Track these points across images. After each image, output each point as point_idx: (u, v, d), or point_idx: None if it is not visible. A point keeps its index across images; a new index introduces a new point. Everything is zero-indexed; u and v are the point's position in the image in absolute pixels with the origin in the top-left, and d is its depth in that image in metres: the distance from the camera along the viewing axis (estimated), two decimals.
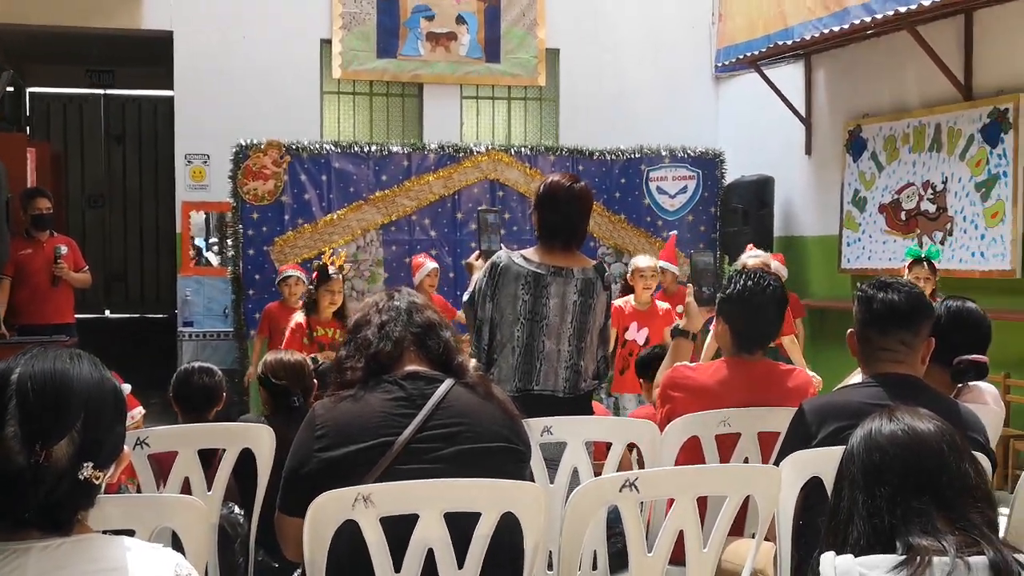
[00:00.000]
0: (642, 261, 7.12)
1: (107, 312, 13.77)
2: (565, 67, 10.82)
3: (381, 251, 9.20)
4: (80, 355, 1.74)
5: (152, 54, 10.65)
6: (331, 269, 6.77)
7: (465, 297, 4.16)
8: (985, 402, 3.52)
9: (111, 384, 1.73)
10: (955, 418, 2.75)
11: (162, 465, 3.36)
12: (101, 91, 13.77)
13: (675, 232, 8.87)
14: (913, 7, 7.42)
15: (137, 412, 4.80)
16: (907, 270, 6.73)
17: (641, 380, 5.40)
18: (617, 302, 6.87)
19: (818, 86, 9.68)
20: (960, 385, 3.54)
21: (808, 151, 9.79)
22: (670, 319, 7.07)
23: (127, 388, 4.22)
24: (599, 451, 3.87)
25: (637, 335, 6.94)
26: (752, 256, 6.58)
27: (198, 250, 10.24)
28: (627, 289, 7.32)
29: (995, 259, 7.48)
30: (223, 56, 9.84)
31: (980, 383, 3.63)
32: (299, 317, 6.75)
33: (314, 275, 6.83)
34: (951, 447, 1.86)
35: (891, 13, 7.63)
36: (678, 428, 3.37)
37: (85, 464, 1.64)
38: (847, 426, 2.07)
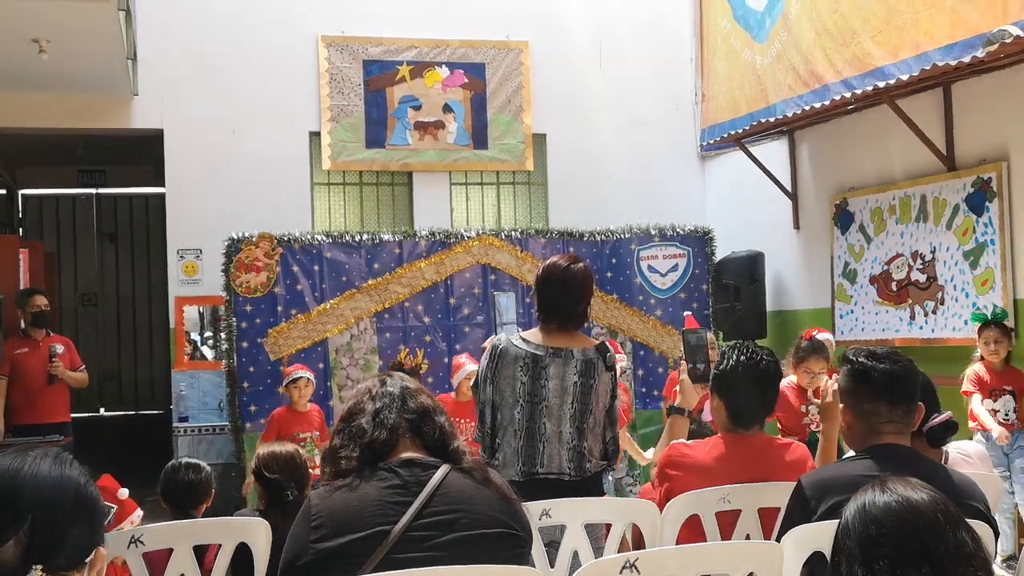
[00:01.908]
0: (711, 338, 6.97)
1: (102, 410, 13.69)
2: (552, 151, 10.95)
3: (375, 339, 9.19)
4: (46, 453, 1.70)
5: (143, 152, 10.77)
6: (407, 365, 6.60)
7: (472, 382, 4.16)
8: (972, 463, 3.52)
9: (72, 483, 1.68)
10: (949, 486, 2.73)
11: (154, 565, 3.31)
12: (93, 190, 13.88)
13: (688, 313, 8.82)
14: (891, 82, 7.56)
15: (136, 516, 4.72)
16: (977, 336, 6.78)
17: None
18: None
19: (803, 161, 9.79)
20: (945, 450, 3.54)
21: (796, 225, 9.86)
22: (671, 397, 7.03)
23: (124, 492, 4.18)
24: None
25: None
26: (818, 333, 6.62)
27: (193, 344, 10.23)
28: None
29: None
30: (213, 152, 9.95)
31: (965, 444, 3.64)
32: None
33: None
34: (946, 515, 1.85)
35: (870, 88, 7.76)
36: (678, 506, 3.35)
37: (34, 567, 1.58)
38: (847, 499, 2.06)
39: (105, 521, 1.79)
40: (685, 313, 8.87)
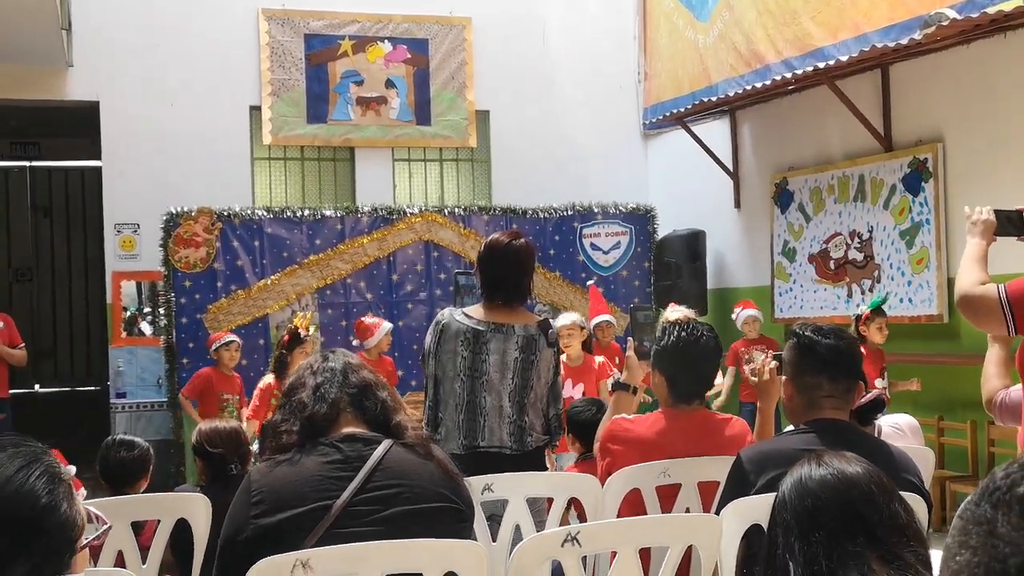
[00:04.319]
0: (559, 319, 7.09)
1: (37, 387, 13.46)
2: (496, 128, 10.92)
3: (317, 315, 9.15)
4: (16, 455, 1.55)
5: (79, 125, 10.54)
6: (302, 332, 6.74)
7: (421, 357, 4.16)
8: (905, 437, 3.59)
9: (28, 502, 1.51)
10: (888, 460, 2.78)
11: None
12: (27, 163, 13.59)
13: (592, 282, 8.84)
14: (831, 63, 7.64)
15: (80, 495, 4.66)
16: (865, 322, 6.96)
17: (571, 436, 5.21)
18: None
19: (744, 141, 9.87)
20: (877, 424, 3.61)
21: (737, 204, 9.95)
22: (606, 372, 7.11)
23: (72, 470, 4.11)
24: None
25: (573, 391, 6.93)
26: (680, 311, 6.68)
27: (132, 320, 10.09)
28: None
29: (922, 304, 7.64)
30: (151, 125, 9.78)
31: (897, 417, 3.72)
32: (268, 379, 6.71)
33: (285, 339, 6.76)
34: (880, 488, 1.88)
35: (810, 69, 7.84)
36: (619, 481, 3.37)
37: None
38: (785, 473, 2.08)
39: (76, 546, 1.58)
40: (588, 283, 8.94)
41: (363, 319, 8.31)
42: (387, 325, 8.04)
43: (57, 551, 1.53)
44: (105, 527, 1.71)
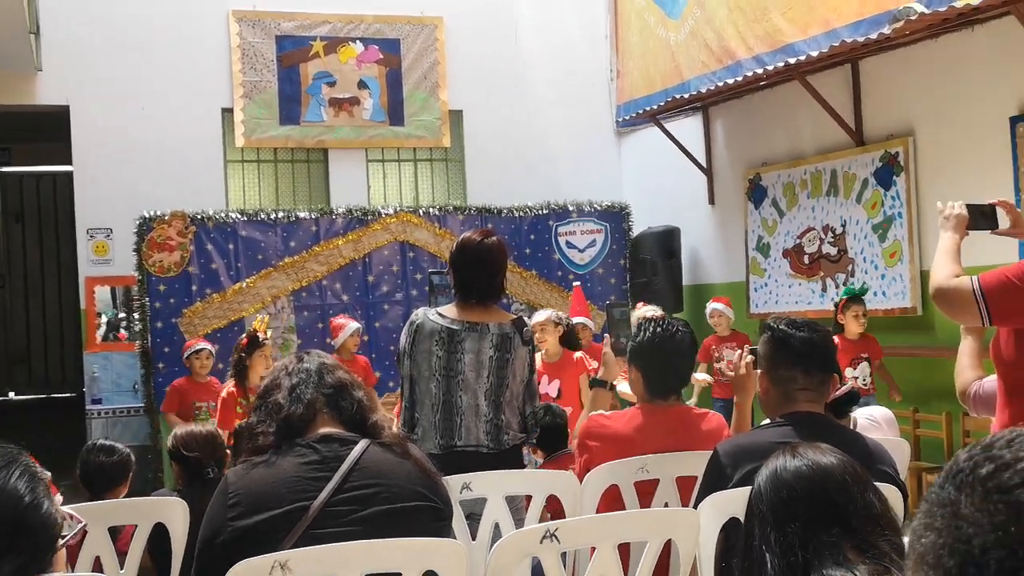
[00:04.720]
0: (534, 316, 7.11)
1: (11, 394, 13.37)
2: (469, 127, 10.92)
3: (293, 317, 9.13)
4: None
5: (49, 129, 10.47)
6: (260, 335, 6.72)
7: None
8: (880, 428, 3.62)
9: (11, 502, 1.52)
10: (864, 452, 2.80)
11: (68, 548, 3.25)
12: None
13: (578, 283, 8.92)
14: (801, 58, 7.68)
15: (56, 501, 4.63)
16: (842, 310, 7.06)
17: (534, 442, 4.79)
18: None
19: (717, 137, 9.90)
20: (853, 416, 3.64)
21: (711, 200, 9.98)
22: (583, 367, 7.14)
23: (48, 476, 4.10)
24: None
25: (548, 388, 6.94)
26: (650, 310, 6.73)
27: (110, 325, 10.02)
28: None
29: (896, 297, 7.69)
30: (122, 128, 9.72)
31: (872, 409, 3.74)
32: (230, 386, 6.66)
33: (243, 342, 6.74)
34: (854, 478, 1.89)
35: (781, 65, 7.88)
36: (597, 477, 3.38)
37: None
38: (761, 466, 2.09)
39: (57, 545, 1.59)
40: (574, 284, 8.99)
41: (334, 319, 8.31)
42: (353, 325, 8.03)
43: (41, 549, 1.54)
44: (80, 525, 1.71)
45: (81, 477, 4.29)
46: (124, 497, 4.25)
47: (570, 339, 7.29)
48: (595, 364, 7.64)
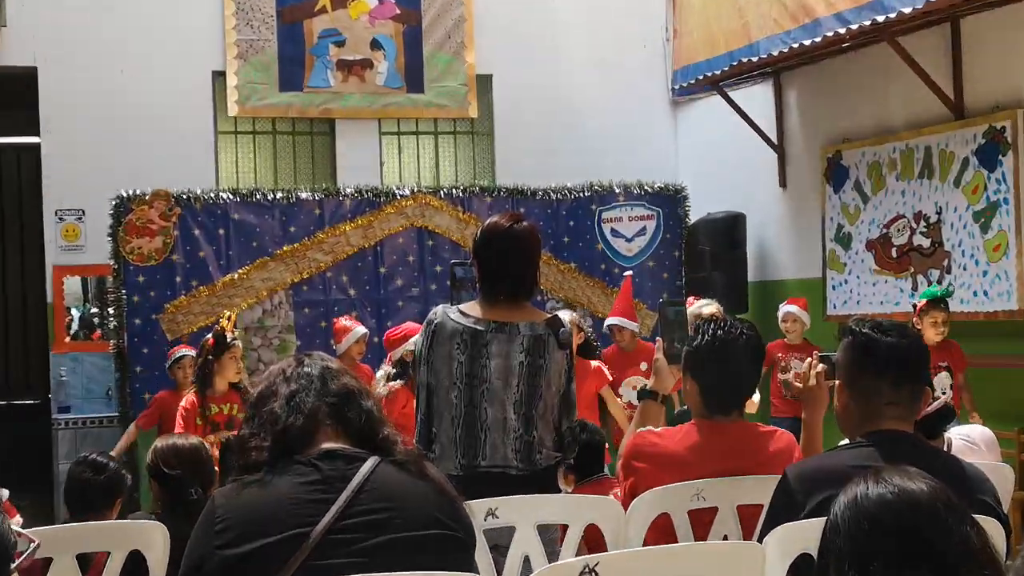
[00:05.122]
0: (566, 316, 7.13)
1: None
2: (499, 95, 10.92)
3: (292, 315, 9.16)
4: None
5: (13, 95, 10.56)
6: (228, 335, 6.76)
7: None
8: (977, 451, 3.59)
9: None
10: (960, 478, 2.78)
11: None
12: None
13: (629, 273, 8.88)
14: (892, 16, 7.61)
15: (15, 522, 4.68)
16: (919, 314, 7.00)
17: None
18: None
19: (790, 108, 9.85)
20: (947, 437, 3.61)
21: (783, 183, 9.93)
22: (601, 379, 7.17)
23: (4, 494, 4.14)
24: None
25: None
26: (705, 305, 6.72)
27: (84, 322, 10.11)
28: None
29: (1000, 298, 7.62)
30: (98, 94, 9.80)
31: (969, 428, 3.71)
32: (190, 396, 6.72)
33: (209, 343, 6.78)
34: (949, 508, 1.87)
35: (867, 23, 7.81)
36: (645, 504, 3.37)
37: None
38: (838, 494, 2.09)
39: (9, 568, 1.62)
40: (625, 274, 8.95)
41: (339, 320, 8.32)
42: (360, 330, 8.03)
43: None
44: (34, 545, 1.72)
45: (65, 495, 4.35)
46: None
47: (587, 347, 7.33)
48: (644, 374, 7.70)
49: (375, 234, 9.38)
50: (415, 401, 4.14)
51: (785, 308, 8.62)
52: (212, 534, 2.37)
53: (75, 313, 10.21)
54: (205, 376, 6.69)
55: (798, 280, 9.71)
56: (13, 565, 1.61)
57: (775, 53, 8.95)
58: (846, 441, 3.15)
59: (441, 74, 10.65)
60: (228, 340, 6.73)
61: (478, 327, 3.95)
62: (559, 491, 4.19)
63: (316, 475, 2.42)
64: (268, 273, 9.13)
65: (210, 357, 6.70)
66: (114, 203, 8.87)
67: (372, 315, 9.19)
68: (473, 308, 4.03)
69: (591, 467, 4.95)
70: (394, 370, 6.77)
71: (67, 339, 9.91)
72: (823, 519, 2.02)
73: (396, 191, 9.55)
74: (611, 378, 7.56)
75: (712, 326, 3.64)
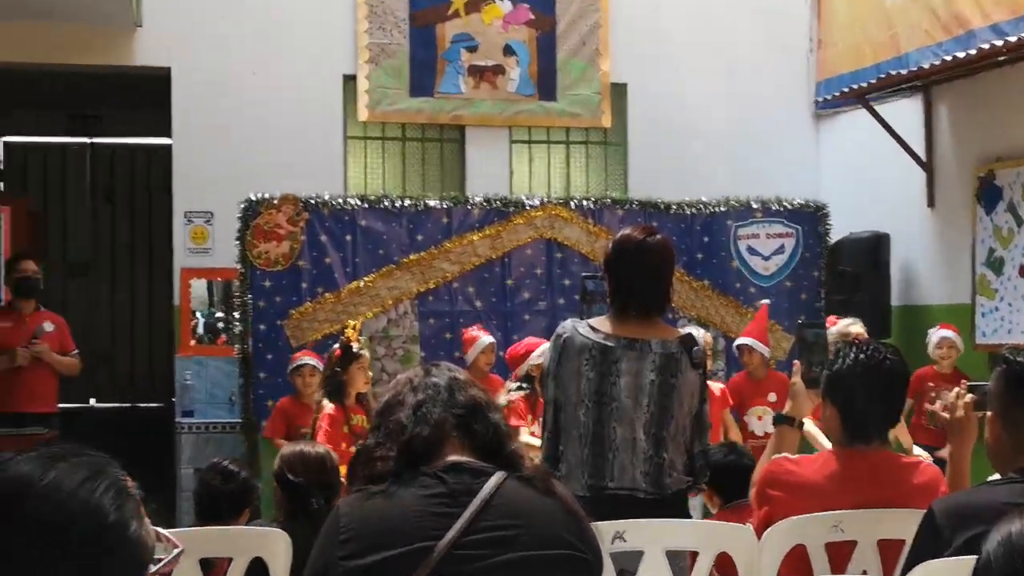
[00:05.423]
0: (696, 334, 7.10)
1: (92, 401, 13.88)
2: (634, 105, 10.89)
3: (416, 325, 9.22)
4: (79, 465, 1.58)
5: (146, 96, 10.84)
6: (355, 345, 6.86)
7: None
8: None
9: (95, 518, 1.54)
10: None
11: None
12: (86, 139, 14.03)
13: (767, 301, 8.81)
14: None
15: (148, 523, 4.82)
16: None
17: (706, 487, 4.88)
18: None
19: (940, 124, 9.66)
20: None
21: (930, 202, 9.74)
22: (724, 401, 7.14)
23: (139, 493, 4.27)
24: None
25: None
26: (851, 323, 6.65)
27: (211, 326, 10.32)
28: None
29: None
30: (229, 96, 10.01)
31: None
32: (329, 407, 6.76)
33: (336, 354, 6.87)
34: None
35: None
36: (780, 534, 3.33)
37: None
38: (988, 531, 2.04)
39: (147, 572, 1.63)
40: (762, 301, 8.86)
41: (467, 331, 8.38)
42: (485, 339, 8.09)
43: (125, 575, 1.57)
44: (177, 551, 1.75)
45: (194, 501, 4.46)
46: None
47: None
48: (772, 405, 7.63)
49: (503, 245, 9.41)
50: (542, 417, 4.15)
51: (940, 334, 8.45)
52: (336, 544, 2.40)
53: (200, 317, 10.43)
54: (337, 387, 6.77)
55: (945, 306, 9.50)
56: (153, 569, 1.64)
57: (926, 66, 8.81)
58: (997, 476, 3.08)
59: (574, 82, 10.66)
60: (354, 351, 6.82)
61: (608, 343, 3.95)
62: (688, 516, 4.15)
63: (441, 488, 2.43)
64: (394, 282, 9.20)
65: (338, 369, 6.80)
66: (242, 206, 9.00)
67: (498, 328, 9.22)
68: (603, 323, 4.03)
69: (738, 491, 4.88)
70: (516, 384, 6.82)
71: (192, 343, 10.10)
72: (972, 557, 1.98)
73: (525, 201, 9.57)
74: (731, 402, 7.53)
75: (855, 350, 3.59)
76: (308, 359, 7.96)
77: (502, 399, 6.40)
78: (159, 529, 1.69)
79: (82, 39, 9.90)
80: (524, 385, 6.83)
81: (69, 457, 1.60)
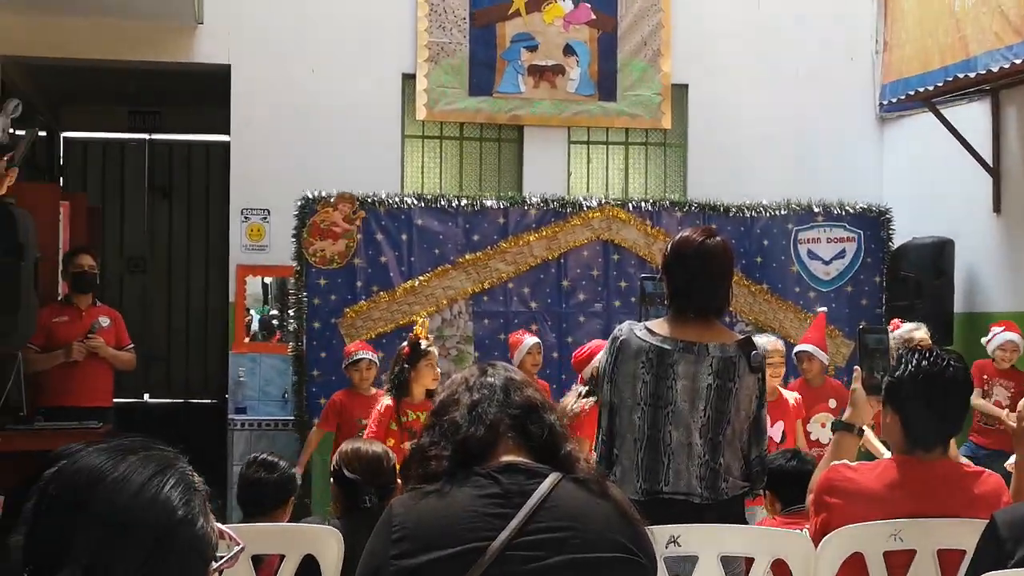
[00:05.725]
0: (768, 341, 7.08)
1: (146, 396, 14.03)
2: (695, 106, 10.85)
3: (471, 325, 9.25)
4: (148, 459, 1.60)
5: (205, 92, 10.95)
6: (423, 342, 6.90)
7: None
8: None
9: (163, 517, 1.56)
10: None
11: None
12: (145, 135, 14.18)
13: (824, 309, 8.75)
14: None
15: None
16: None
17: (767, 492, 4.97)
18: None
19: (1009, 129, 9.56)
20: None
21: (997, 208, 9.64)
22: (800, 413, 7.08)
23: (206, 489, 4.33)
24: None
25: (772, 430, 6.88)
26: (915, 328, 6.61)
27: (264, 324, 10.40)
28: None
29: None
30: (288, 94, 10.09)
31: None
32: (387, 400, 6.85)
33: (404, 351, 6.92)
34: None
35: None
36: (837, 541, 3.32)
37: None
38: None
39: (210, 569, 1.66)
40: (819, 309, 8.80)
41: (513, 334, 8.40)
42: (530, 340, 8.12)
43: (190, 572, 1.59)
44: (238, 548, 1.77)
45: (238, 495, 4.51)
46: None
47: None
48: (833, 411, 7.60)
49: (559, 246, 9.42)
50: (598, 420, 4.15)
51: (1004, 336, 8.39)
52: (389, 543, 2.41)
53: (255, 314, 10.52)
54: (402, 383, 6.84)
55: (1010, 313, 9.38)
56: (215, 566, 1.66)
57: (995, 69, 8.72)
58: None
59: (635, 83, 10.64)
60: (423, 348, 6.86)
61: (665, 346, 3.94)
62: (745, 522, 4.14)
63: (495, 488, 2.44)
64: (449, 281, 9.24)
65: (406, 365, 6.85)
66: (299, 204, 9.09)
67: (552, 329, 9.24)
68: (661, 326, 4.02)
69: (797, 497, 4.86)
70: (585, 388, 6.82)
71: (246, 340, 10.18)
72: None
73: (583, 202, 9.57)
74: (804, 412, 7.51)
75: (917, 356, 3.57)
76: (366, 353, 7.96)
77: (573, 406, 6.35)
78: (221, 526, 1.71)
79: (143, 35, 10.01)
80: (590, 389, 6.83)
81: (139, 450, 1.62)
